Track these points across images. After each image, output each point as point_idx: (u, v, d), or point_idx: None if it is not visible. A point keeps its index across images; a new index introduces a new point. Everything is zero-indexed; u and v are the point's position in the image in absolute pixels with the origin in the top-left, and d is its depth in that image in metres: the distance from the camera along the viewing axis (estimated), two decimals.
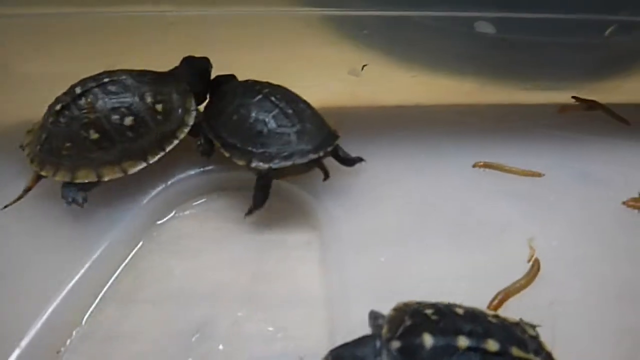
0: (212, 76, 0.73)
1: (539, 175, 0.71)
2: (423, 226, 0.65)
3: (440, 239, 0.64)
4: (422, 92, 0.90)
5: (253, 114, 0.64)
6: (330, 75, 0.90)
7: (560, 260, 0.61)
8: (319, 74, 0.89)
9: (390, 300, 0.51)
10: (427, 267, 0.61)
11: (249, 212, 0.64)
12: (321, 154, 0.62)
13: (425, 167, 0.72)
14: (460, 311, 0.46)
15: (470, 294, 0.57)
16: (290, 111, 0.64)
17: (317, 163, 0.64)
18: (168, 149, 0.66)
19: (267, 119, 0.63)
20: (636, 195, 0.70)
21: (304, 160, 0.61)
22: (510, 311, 0.55)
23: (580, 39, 0.89)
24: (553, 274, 0.59)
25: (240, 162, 0.63)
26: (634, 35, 0.89)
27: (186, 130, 0.67)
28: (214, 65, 0.74)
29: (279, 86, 0.69)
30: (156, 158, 0.65)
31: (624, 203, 0.69)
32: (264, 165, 0.61)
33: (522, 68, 0.93)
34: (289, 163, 0.61)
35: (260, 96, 0.65)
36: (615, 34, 0.85)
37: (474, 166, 0.71)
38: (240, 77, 0.74)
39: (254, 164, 0.62)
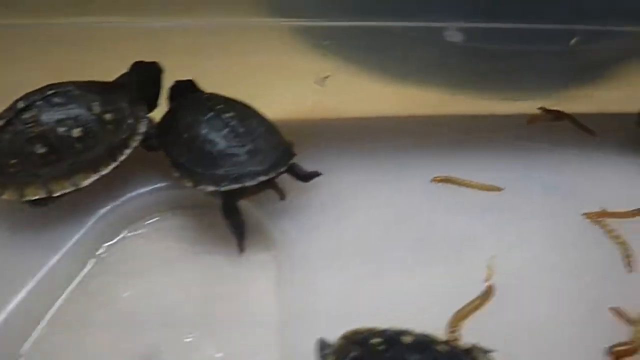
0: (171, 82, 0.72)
1: (498, 189, 0.69)
2: (383, 245, 0.63)
3: (400, 257, 0.62)
4: (390, 103, 0.89)
5: (202, 133, 0.61)
6: (296, 86, 0.88)
7: (522, 278, 0.60)
8: (285, 85, 0.87)
9: (346, 324, 0.50)
10: (387, 288, 0.59)
11: (239, 246, 0.62)
12: (273, 175, 0.60)
13: (388, 182, 0.70)
14: (409, 339, 0.44)
15: (430, 315, 0.55)
16: (242, 130, 0.61)
17: (270, 184, 0.61)
18: (120, 159, 0.63)
19: (216, 139, 0.61)
20: (599, 209, 0.69)
21: (254, 182, 0.59)
22: (468, 333, 0.53)
23: (549, 48, 0.88)
24: (513, 293, 0.57)
25: (188, 184, 0.60)
26: (602, 44, 0.88)
27: (138, 138, 0.65)
28: (177, 78, 0.72)
29: (235, 101, 0.67)
30: (108, 169, 0.63)
31: (584, 214, 0.67)
32: (211, 188, 0.59)
33: (491, 78, 0.92)
34: (237, 186, 0.58)
35: (211, 114, 0.63)
36: (580, 43, 0.84)
37: (432, 180, 0.69)
38: (204, 89, 0.72)
39: (201, 187, 0.60)
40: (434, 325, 0.53)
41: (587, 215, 0.67)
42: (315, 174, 0.67)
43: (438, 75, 0.90)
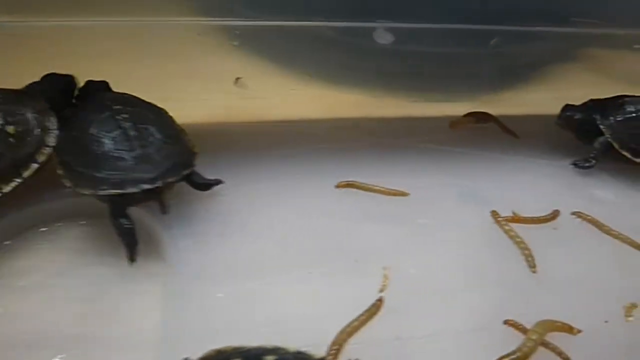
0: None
1: (403, 194, 0.66)
2: (282, 256, 0.60)
3: (298, 269, 0.59)
4: (313, 106, 0.86)
5: (91, 132, 0.58)
6: (214, 89, 0.84)
7: (420, 289, 0.57)
8: (203, 87, 0.83)
9: (233, 341, 0.47)
10: (282, 302, 0.56)
11: (128, 257, 0.58)
12: (159, 184, 0.56)
13: (294, 189, 0.67)
14: (271, 359, 0.41)
15: (321, 329, 0.52)
16: (134, 133, 0.58)
17: (156, 194, 0.58)
18: (26, 174, 0.58)
19: (104, 140, 0.57)
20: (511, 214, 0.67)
21: (136, 189, 0.55)
22: (354, 349, 0.50)
23: (475, 50, 0.86)
24: (405, 306, 0.55)
25: (67, 184, 0.57)
26: (527, 45, 0.86)
27: (46, 152, 0.60)
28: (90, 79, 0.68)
29: (142, 104, 0.63)
30: (11, 186, 0.58)
31: (492, 214, 0.65)
32: (88, 191, 0.55)
33: (417, 80, 0.89)
34: (117, 191, 0.55)
35: (107, 113, 0.59)
36: (503, 44, 0.82)
37: (336, 186, 0.67)
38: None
39: (79, 188, 0.56)
40: (324, 340, 0.51)
41: (495, 218, 0.65)
42: (216, 182, 0.64)
43: (361, 77, 0.88)
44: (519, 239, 0.62)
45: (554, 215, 0.68)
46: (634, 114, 0.77)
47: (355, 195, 0.67)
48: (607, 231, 0.67)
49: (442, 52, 0.88)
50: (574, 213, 0.69)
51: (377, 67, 0.89)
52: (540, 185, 0.74)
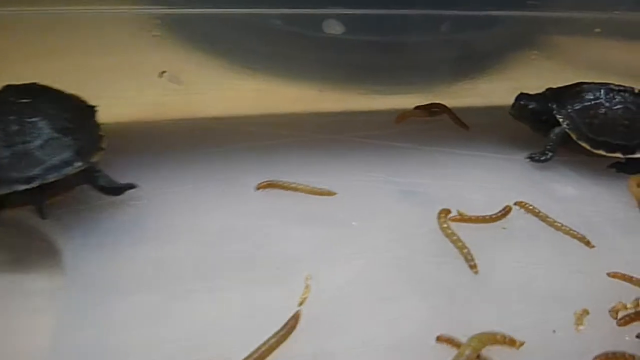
0: None
1: (330, 194, 0.61)
2: (196, 266, 0.54)
3: (216, 278, 0.53)
4: (253, 101, 0.80)
5: None
6: (148, 84, 0.78)
7: (344, 300, 0.51)
8: (137, 82, 0.77)
9: None
10: (191, 316, 0.50)
11: None
12: (36, 184, 0.50)
13: (215, 192, 0.61)
14: None
15: (230, 346, 0.46)
16: (16, 128, 0.51)
17: (38, 196, 0.52)
18: None
19: None
20: (456, 213, 0.61)
21: (9, 190, 0.49)
22: None
23: (428, 38, 0.80)
24: (328, 318, 0.49)
25: None
26: (483, 32, 0.81)
27: None
28: (15, 75, 0.61)
29: (43, 94, 0.57)
30: None
31: (440, 213, 0.59)
32: None
33: (367, 72, 0.83)
34: None
35: None
36: (455, 31, 0.76)
37: (257, 187, 0.61)
38: None
39: None
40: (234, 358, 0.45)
41: (439, 216, 0.59)
42: (128, 187, 0.58)
43: (307, 70, 0.82)
44: (455, 237, 0.57)
45: (506, 211, 0.62)
46: (592, 102, 0.71)
47: (281, 196, 0.61)
48: (551, 223, 0.61)
49: (392, 41, 0.82)
50: (516, 203, 0.63)
51: (324, 58, 0.83)
52: (493, 181, 0.68)
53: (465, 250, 0.55)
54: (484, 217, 0.60)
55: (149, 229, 0.57)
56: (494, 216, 0.62)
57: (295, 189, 0.60)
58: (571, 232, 0.61)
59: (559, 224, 0.61)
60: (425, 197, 0.64)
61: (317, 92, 0.82)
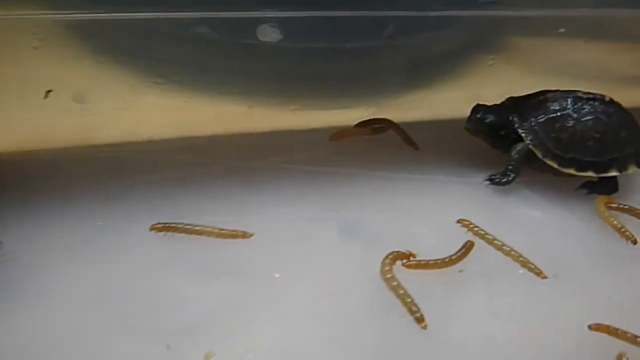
0: None
1: (244, 236, 0.49)
2: (75, 334, 0.42)
3: (95, 350, 0.41)
4: (163, 122, 0.68)
5: None
6: (32, 104, 0.66)
7: None
8: (17, 103, 0.65)
9: None
10: None
11: None
12: None
13: (102, 239, 0.49)
14: None
15: None
16: None
17: None
18: None
19: None
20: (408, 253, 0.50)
21: None
22: None
23: (368, 42, 0.70)
24: None
25: None
26: (435, 34, 0.70)
27: None
28: None
29: None
30: None
31: (385, 261, 0.48)
32: None
33: (303, 84, 0.72)
34: None
35: None
36: (401, 35, 0.66)
37: (151, 229, 0.49)
38: None
39: None
40: None
41: (383, 264, 0.48)
42: None
43: (232, 83, 0.70)
44: (395, 283, 0.46)
45: (467, 248, 0.52)
46: (558, 113, 0.61)
47: (181, 242, 0.49)
48: (499, 247, 0.53)
49: (333, 48, 0.71)
50: (459, 221, 0.54)
51: (255, 69, 0.71)
52: (447, 210, 0.57)
53: (409, 300, 0.45)
54: (443, 260, 0.50)
55: (16, 292, 0.45)
56: (454, 257, 0.51)
57: (200, 233, 0.48)
58: (520, 258, 0.52)
59: (508, 249, 0.52)
60: (367, 235, 0.53)
61: (246, 108, 0.71)
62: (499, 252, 0.53)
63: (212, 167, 0.59)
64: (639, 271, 0.53)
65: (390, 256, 0.49)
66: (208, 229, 0.48)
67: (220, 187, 0.56)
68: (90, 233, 0.49)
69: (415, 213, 0.57)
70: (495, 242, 0.53)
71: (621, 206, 0.58)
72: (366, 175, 0.60)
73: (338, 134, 0.63)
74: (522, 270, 0.51)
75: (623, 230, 0.55)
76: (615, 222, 0.55)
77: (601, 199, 0.59)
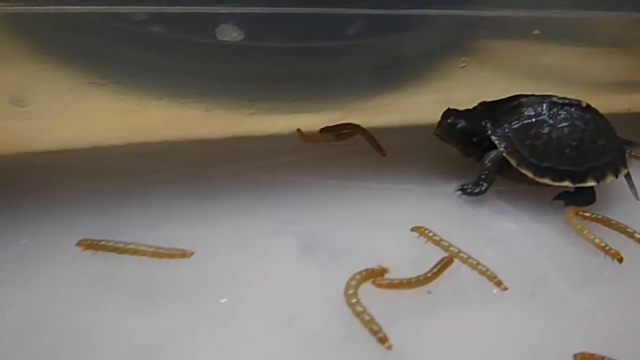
0: None
1: (184, 255, 0.44)
2: None
3: None
4: (108, 127, 0.62)
5: None
6: None
7: None
8: None
9: None
10: None
11: None
12: None
13: (30, 257, 0.44)
14: None
15: None
16: None
17: None
18: None
19: None
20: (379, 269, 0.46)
21: None
22: None
23: (333, 42, 0.65)
24: None
25: None
26: (404, 35, 0.66)
27: None
28: None
29: None
30: None
31: (350, 283, 0.44)
32: None
33: (268, 85, 0.67)
34: None
35: None
36: (362, 34, 0.61)
37: (77, 244, 0.43)
38: None
39: None
40: None
41: (347, 287, 0.44)
42: None
43: (191, 84, 0.65)
44: (354, 300, 0.42)
45: (444, 264, 0.48)
46: (533, 119, 0.58)
47: (115, 262, 0.44)
48: (456, 255, 0.49)
49: (296, 48, 0.66)
50: (414, 229, 0.51)
51: (214, 70, 0.66)
52: (415, 223, 0.53)
53: (369, 319, 0.40)
54: (417, 279, 0.45)
55: None
56: (430, 274, 0.47)
57: (133, 252, 0.42)
58: (479, 267, 0.48)
59: (465, 256, 0.49)
60: (331, 251, 0.49)
61: (204, 112, 0.66)
62: (474, 271, 0.49)
63: (160, 176, 0.53)
64: (619, 288, 0.50)
65: (358, 276, 0.45)
66: (142, 248, 0.42)
67: (168, 198, 0.51)
68: (13, 253, 0.43)
69: (383, 226, 0.53)
70: (451, 248, 0.50)
71: (593, 216, 0.54)
72: (329, 184, 0.56)
73: (303, 137, 0.59)
74: (495, 290, 0.47)
75: (607, 248, 0.51)
76: (597, 241, 0.51)
77: (571, 211, 0.55)
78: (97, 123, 0.62)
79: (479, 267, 0.48)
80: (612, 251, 0.51)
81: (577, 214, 0.54)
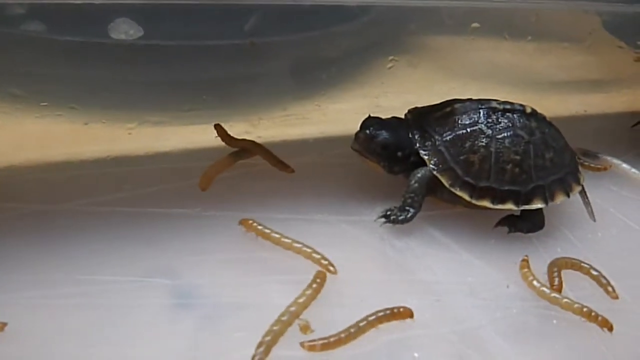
0: None
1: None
2: None
3: None
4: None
5: None
6: None
7: None
8: None
9: None
10: None
11: None
12: None
13: None
14: None
15: None
16: None
17: None
18: None
19: None
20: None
21: None
22: None
23: (232, 39, 0.54)
24: None
25: None
26: (321, 33, 0.55)
27: None
28: None
29: None
30: None
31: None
32: None
33: (159, 92, 0.56)
34: None
35: None
36: (260, 29, 0.50)
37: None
38: None
39: None
40: None
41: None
42: None
43: (68, 92, 0.53)
44: None
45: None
46: (468, 129, 0.47)
47: None
48: (290, 246, 0.42)
49: (198, 47, 0.55)
50: (241, 222, 0.43)
51: (101, 76, 0.55)
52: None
53: None
54: (348, 331, 0.36)
55: None
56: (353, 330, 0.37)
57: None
58: (313, 254, 0.42)
59: (297, 245, 0.42)
60: (215, 309, 0.38)
61: (82, 125, 0.54)
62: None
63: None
64: (577, 345, 0.40)
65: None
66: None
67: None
68: None
69: (283, 269, 0.42)
70: (282, 240, 0.42)
71: (572, 262, 0.44)
72: (215, 217, 0.45)
73: (204, 182, 0.47)
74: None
75: (593, 315, 0.40)
76: (576, 306, 0.40)
77: (523, 265, 0.44)
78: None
79: (314, 255, 0.42)
80: (600, 319, 0.40)
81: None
